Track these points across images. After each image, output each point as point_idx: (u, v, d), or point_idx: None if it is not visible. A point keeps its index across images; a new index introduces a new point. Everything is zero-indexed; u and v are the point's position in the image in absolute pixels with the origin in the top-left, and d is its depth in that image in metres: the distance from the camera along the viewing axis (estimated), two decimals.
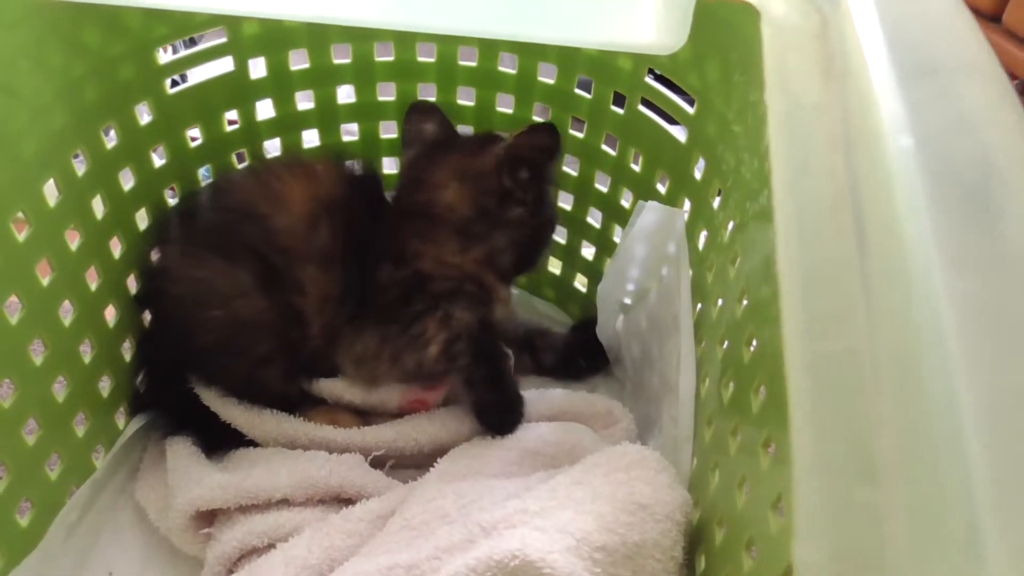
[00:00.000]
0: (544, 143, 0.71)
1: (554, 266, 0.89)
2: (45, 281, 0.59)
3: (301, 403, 0.71)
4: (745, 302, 0.54)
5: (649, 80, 0.70)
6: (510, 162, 0.71)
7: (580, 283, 0.88)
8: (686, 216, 0.68)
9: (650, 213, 0.69)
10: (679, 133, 0.70)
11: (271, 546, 0.59)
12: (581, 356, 0.79)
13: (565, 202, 0.84)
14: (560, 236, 0.87)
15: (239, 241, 0.68)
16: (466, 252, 0.72)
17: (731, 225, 0.60)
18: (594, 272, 0.85)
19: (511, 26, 0.58)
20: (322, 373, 0.71)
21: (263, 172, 0.72)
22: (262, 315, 0.67)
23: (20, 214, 0.57)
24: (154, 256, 0.71)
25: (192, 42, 0.75)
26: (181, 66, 0.71)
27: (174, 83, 0.71)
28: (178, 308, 0.69)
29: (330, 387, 0.71)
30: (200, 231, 0.70)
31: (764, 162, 0.53)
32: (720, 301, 0.61)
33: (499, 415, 0.67)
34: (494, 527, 0.50)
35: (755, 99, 0.56)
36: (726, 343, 0.58)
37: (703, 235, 0.66)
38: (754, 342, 0.52)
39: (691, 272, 0.66)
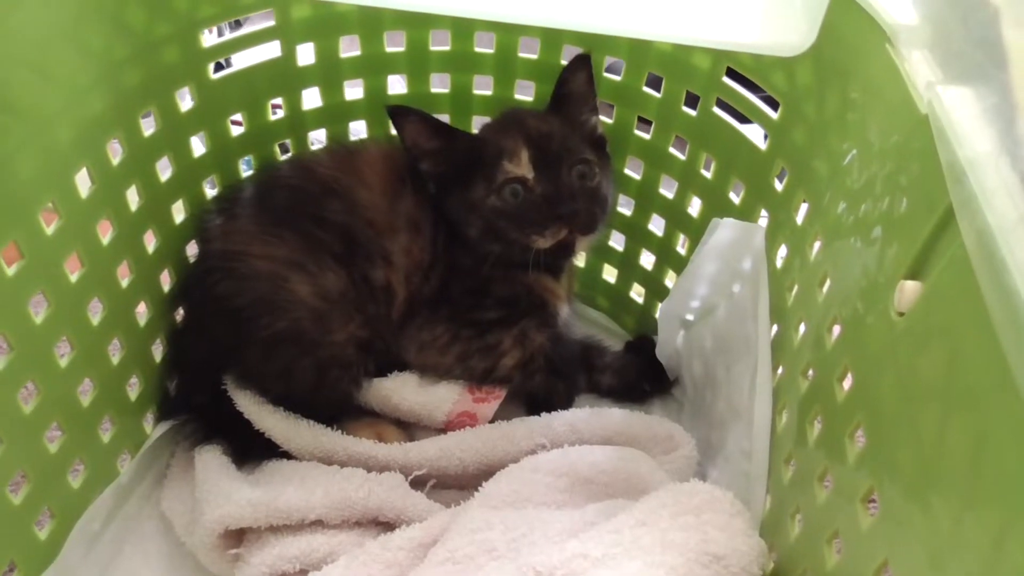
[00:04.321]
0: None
1: (609, 274, 0.84)
2: (74, 277, 0.55)
3: (343, 416, 0.66)
4: (838, 329, 0.49)
5: (727, 80, 0.64)
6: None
7: (636, 293, 0.82)
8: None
9: (725, 230, 0.63)
10: (758, 139, 0.64)
11: (303, 572, 0.55)
12: (645, 380, 0.74)
13: (625, 207, 0.78)
14: (617, 243, 0.81)
15: (323, 216, 0.65)
16: None
17: (818, 242, 0.55)
18: (652, 283, 0.79)
19: (615, 21, 0.53)
20: (388, 364, 0.69)
21: (338, 149, 0.71)
22: (346, 290, 0.65)
23: (50, 204, 0.53)
24: (208, 245, 0.67)
25: (238, 24, 0.71)
26: (226, 50, 0.66)
27: (218, 67, 0.67)
28: (249, 292, 0.63)
29: (379, 386, 0.67)
30: (275, 211, 0.66)
31: (880, 169, 0.47)
32: (802, 326, 0.55)
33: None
34: (551, 574, 0.45)
35: (859, 98, 0.51)
36: (811, 372, 0.52)
37: (782, 251, 0.61)
38: (849, 376, 0.46)
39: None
